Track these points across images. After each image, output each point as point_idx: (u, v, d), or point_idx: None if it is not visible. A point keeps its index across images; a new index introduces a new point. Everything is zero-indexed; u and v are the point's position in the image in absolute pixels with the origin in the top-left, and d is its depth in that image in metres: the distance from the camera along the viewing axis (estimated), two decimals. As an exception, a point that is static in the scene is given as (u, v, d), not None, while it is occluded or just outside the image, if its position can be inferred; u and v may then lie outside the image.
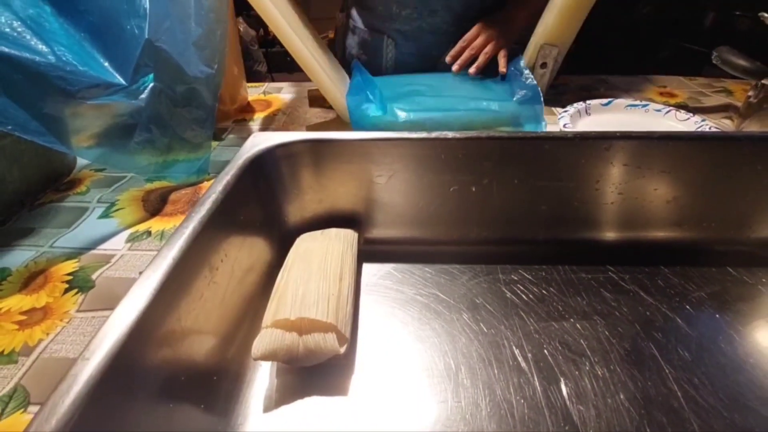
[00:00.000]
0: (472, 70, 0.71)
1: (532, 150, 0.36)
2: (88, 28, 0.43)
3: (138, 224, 0.44)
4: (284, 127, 0.65)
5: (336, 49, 0.96)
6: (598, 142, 0.35)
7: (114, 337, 0.19)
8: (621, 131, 0.35)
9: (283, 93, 0.79)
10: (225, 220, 0.30)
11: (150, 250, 0.40)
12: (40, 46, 0.38)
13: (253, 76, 1.74)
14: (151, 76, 0.44)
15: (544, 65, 0.68)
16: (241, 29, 2.26)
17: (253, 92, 0.80)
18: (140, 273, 0.36)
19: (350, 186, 0.38)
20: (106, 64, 0.41)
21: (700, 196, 0.37)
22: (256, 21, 2.24)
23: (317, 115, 0.69)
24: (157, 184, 0.50)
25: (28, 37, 0.38)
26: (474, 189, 0.37)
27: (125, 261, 0.39)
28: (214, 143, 0.60)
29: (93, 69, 0.40)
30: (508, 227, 0.39)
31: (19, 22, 0.38)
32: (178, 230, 0.26)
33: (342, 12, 0.88)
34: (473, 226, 0.39)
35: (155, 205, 0.46)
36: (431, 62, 0.80)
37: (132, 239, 0.41)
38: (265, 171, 0.35)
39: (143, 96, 0.43)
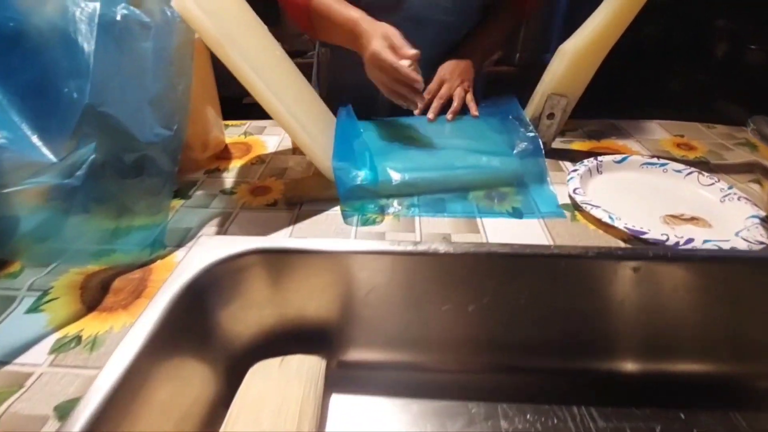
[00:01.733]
0: (448, 116, 0.67)
1: (544, 267, 0.29)
2: (20, 91, 0.36)
3: (70, 323, 0.37)
4: (260, 182, 0.58)
5: (317, 84, 0.89)
6: (624, 263, 0.28)
7: None
8: (653, 250, 0.28)
9: (265, 134, 0.72)
10: (155, 361, 0.23)
11: (75, 366, 0.33)
12: (-55, 123, 0.31)
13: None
14: (93, 146, 0.37)
15: (551, 116, 0.62)
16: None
17: (233, 132, 0.73)
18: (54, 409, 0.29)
19: (319, 300, 0.31)
20: (34, 137, 0.34)
21: (741, 323, 0.31)
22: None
23: (300, 164, 0.63)
24: (103, 264, 0.43)
25: (-67, 110, 0.31)
26: (471, 309, 0.30)
27: (42, 385, 0.31)
28: (179, 202, 0.53)
29: (15, 145, 0.33)
30: (513, 354, 0.32)
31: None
32: (93, 390, 0.19)
33: (325, 47, 0.81)
34: (470, 351, 0.32)
35: (94, 295, 0.39)
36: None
37: (57, 348, 0.34)
38: (209, 290, 0.28)
39: (79, 173, 0.36)
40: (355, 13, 0.63)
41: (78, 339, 0.35)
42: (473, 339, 0.31)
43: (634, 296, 0.30)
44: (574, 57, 0.57)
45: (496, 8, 0.76)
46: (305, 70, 0.97)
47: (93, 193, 0.38)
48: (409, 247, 0.28)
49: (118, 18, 0.41)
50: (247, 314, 0.30)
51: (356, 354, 0.32)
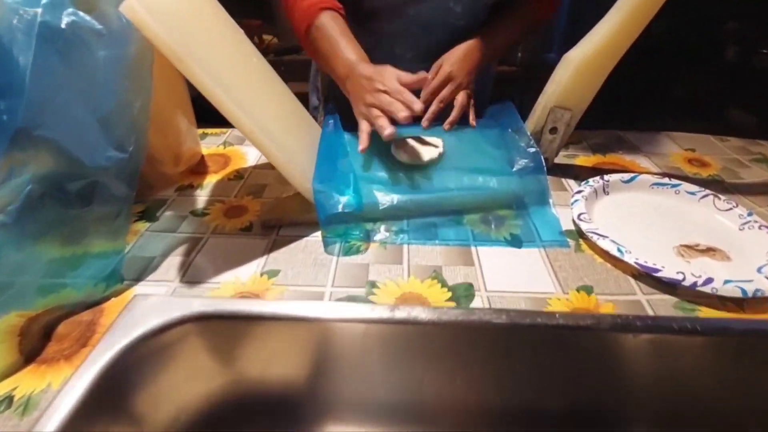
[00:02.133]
0: (446, 126, 0.60)
1: (541, 337, 0.24)
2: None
3: (3, 379, 0.32)
4: (237, 200, 0.53)
5: (315, 83, 0.85)
6: (636, 338, 0.24)
7: None
8: (663, 320, 0.24)
9: (245, 145, 0.67)
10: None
11: (2, 436, 0.28)
12: None
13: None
14: (28, 177, 0.32)
15: (554, 130, 0.57)
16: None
17: (211, 142, 0.68)
18: None
19: (279, 368, 0.26)
20: (-46, 168, 0.30)
21: (756, 398, 0.26)
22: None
23: (281, 180, 0.58)
24: (51, 303, 0.38)
25: None
26: (458, 380, 0.26)
27: (-42, 462, 0.27)
28: (144, 225, 0.49)
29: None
30: (508, 427, 0.27)
31: None
32: None
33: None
34: (459, 424, 0.27)
35: (35, 343, 0.35)
36: None
37: (-16, 412, 0.30)
38: (140, 363, 0.24)
39: (12, 208, 0.31)
40: (353, 55, 0.57)
41: (9, 400, 0.31)
42: (462, 410, 0.27)
43: (649, 367, 0.26)
44: (580, 67, 0.52)
45: (508, 8, 0.70)
46: (302, 67, 0.91)
47: (30, 229, 0.33)
48: (385, 314, 0.24)
49: (64, 26, 0.35)
50: (192, 386, 0.26)
51: (328, 427, 0.28)
